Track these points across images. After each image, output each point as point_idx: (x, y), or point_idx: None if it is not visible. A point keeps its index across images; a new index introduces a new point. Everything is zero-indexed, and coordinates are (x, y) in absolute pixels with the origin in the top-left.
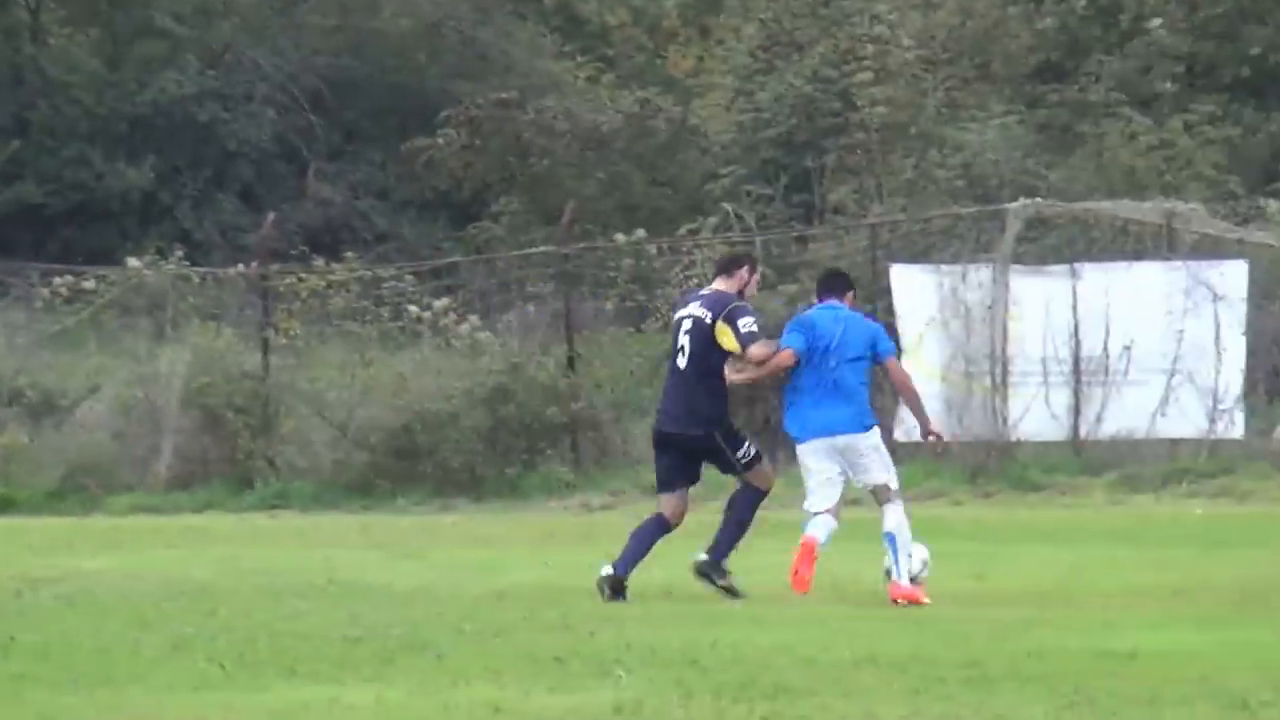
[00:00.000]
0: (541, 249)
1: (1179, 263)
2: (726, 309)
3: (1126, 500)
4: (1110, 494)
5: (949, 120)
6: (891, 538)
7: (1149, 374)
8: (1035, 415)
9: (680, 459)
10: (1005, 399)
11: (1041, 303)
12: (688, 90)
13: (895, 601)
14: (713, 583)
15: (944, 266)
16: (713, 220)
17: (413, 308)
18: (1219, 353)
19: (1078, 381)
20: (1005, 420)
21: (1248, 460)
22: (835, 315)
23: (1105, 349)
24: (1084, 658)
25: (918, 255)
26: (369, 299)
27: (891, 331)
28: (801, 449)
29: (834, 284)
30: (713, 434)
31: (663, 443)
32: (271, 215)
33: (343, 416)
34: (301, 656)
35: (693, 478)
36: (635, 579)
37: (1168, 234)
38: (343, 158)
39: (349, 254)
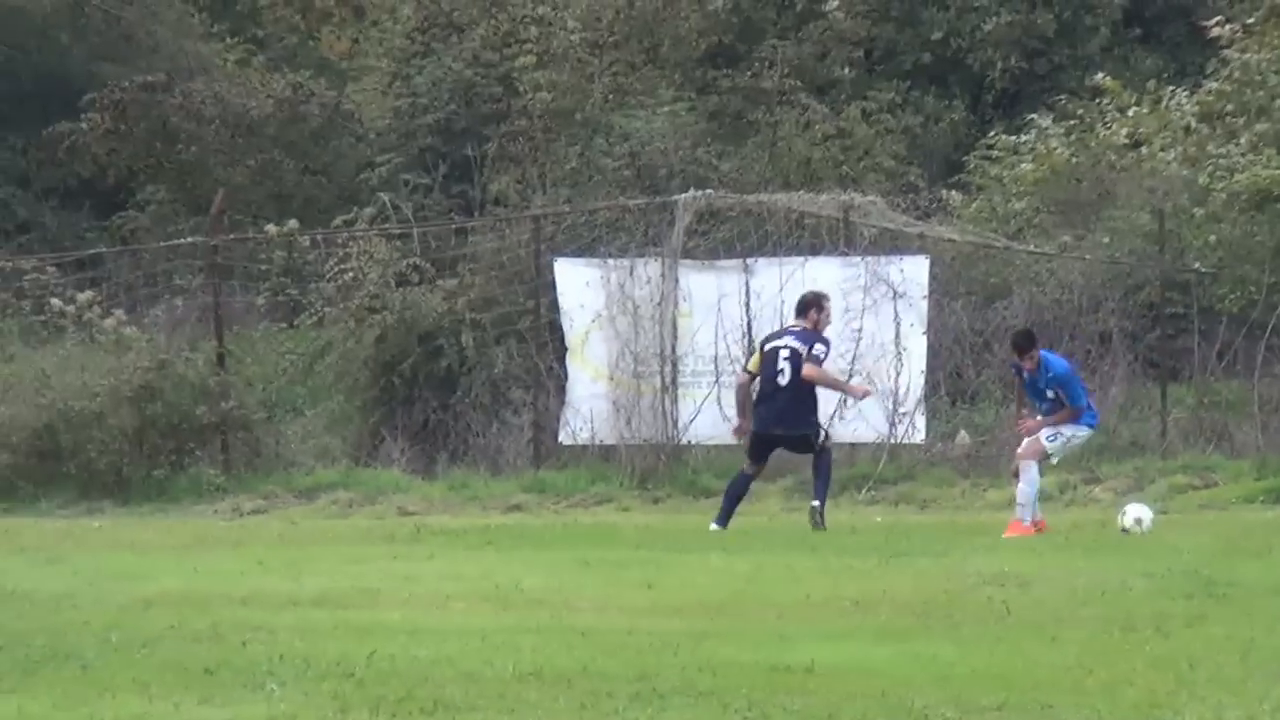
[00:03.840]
0: (189, 240)
1: (857, 258)
2: (811, 344)
3: (803, 507)
4: (786, 500)
5: (616, 107)
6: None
7: None
8: (707, 417)
9: (771, 448)
10: (675, 400)
11: (713, 299)
12: (342, 74)
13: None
14: (819, 523)
15: (610, 260)
16: (369, 211)
17: (55, 301)
18: (899, 353)
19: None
20: (675, 422)
21: (929, 466)
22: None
23: None
24: (758, 672)
25: (583, 249)
26: (9, 291)
27: (556, 329)
28: None
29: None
30: (810, 432)
31: (769, 440)
32: None
33: None
34: None
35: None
36: (287, 588)
37: (845, 228)
38: None
39: None
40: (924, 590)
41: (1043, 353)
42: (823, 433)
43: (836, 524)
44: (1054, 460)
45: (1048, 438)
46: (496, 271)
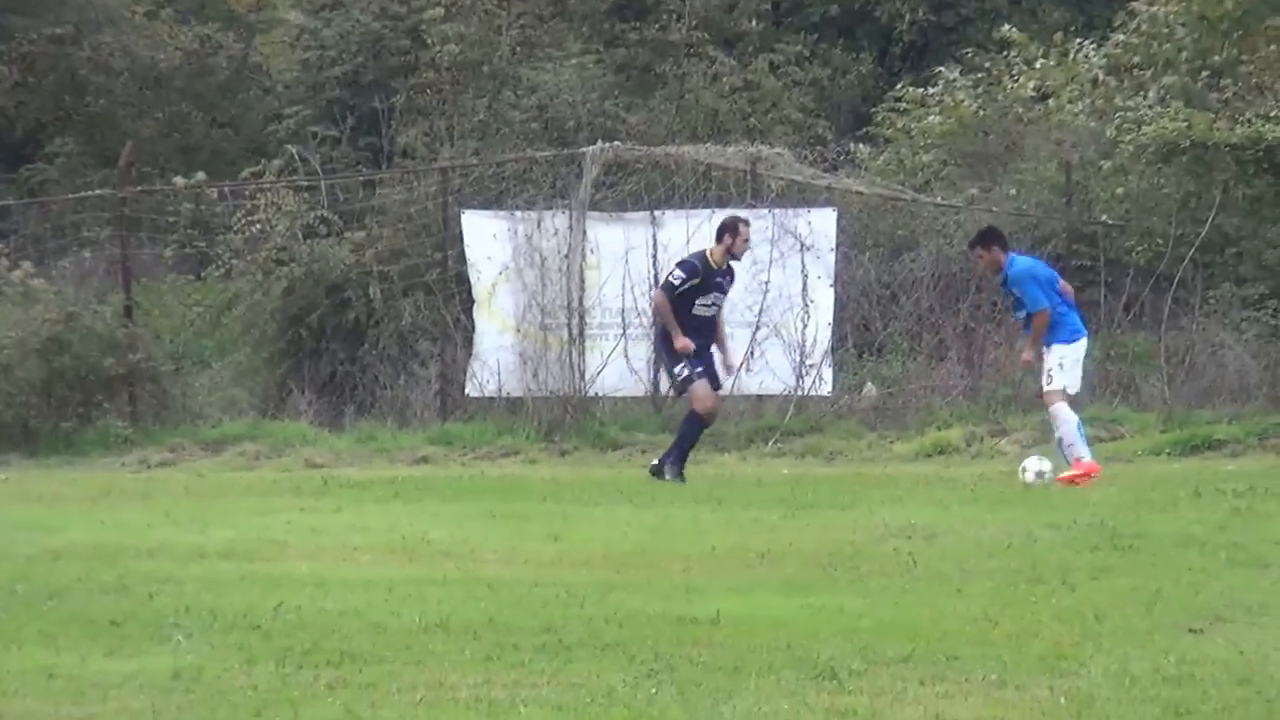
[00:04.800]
0: (98, 192)
1: (764, 210)
2: (681, 261)
3: (709, 459)
4: (694, 453)
5: (524, 59)
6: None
7: (733, 327)
8: (614, 369)
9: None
10: (582, 352)
11: (620, 251)
12: (250, 26)
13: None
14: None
15: (518, 213)
16: (277, 163)
17: None
18: (806, 305)
19: None
20: (583, 374)
21: (836, 418)
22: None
23: None
24: (665, 624)
25: (490, 201)
26: None
27: (463, 282)
28: None
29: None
30: (663, 367)
31: None
32: None
33: None
34: None
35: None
36: (194, 540)
37: (752, 180)
38: None
39: None
40: (830, 542)
41: (1012, 254)
42: (679, 372)
43: (742, 476)
44: (1072, 390)
45: (1044, 379)
46: (404, 224)
